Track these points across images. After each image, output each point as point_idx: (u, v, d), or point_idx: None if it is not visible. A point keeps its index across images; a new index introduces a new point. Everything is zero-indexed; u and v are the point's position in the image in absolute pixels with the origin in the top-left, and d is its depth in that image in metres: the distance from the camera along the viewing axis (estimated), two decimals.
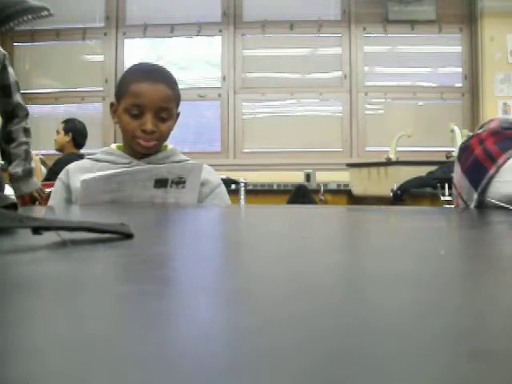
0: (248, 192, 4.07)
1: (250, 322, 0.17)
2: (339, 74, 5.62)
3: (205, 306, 0.20)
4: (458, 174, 0.94)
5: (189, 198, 1.30)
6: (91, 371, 0.12)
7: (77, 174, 1.41)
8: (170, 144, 1.57)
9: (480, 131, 0.93)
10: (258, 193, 4.55)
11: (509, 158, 0.82)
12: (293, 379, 0.12)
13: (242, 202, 3.68)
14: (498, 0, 5.16)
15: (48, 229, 0.35)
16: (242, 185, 3.80)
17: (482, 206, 0.87)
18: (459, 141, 4.04)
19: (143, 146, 1.43)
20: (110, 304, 0.20)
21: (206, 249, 0.39)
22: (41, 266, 0.29)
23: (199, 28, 5.64)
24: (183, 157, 1.56)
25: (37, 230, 0.35)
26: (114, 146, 1.56)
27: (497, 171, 0.83)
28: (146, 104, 1.42)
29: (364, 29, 5.62)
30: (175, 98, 1.49)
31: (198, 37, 5.68)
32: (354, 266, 0.31)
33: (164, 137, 1.48)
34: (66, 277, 0.25)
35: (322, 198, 4.47)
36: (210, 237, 0.49)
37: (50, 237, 0.34)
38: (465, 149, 0.93)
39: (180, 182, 1.29)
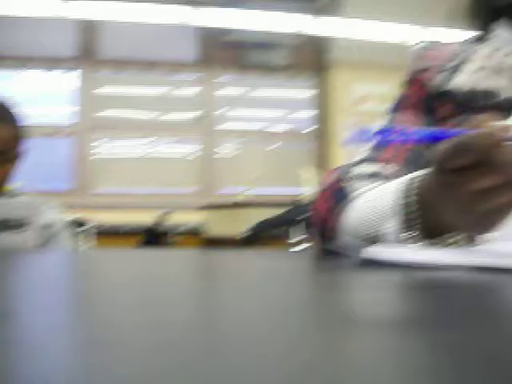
0: (99, 233, 3.96)
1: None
2: (195, 115, 5.66)
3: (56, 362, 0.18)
4: (312, 234, 0.95)
5: (30, 242, 1.21)
6: None
7: None
8: (15, 182, 1.47)
9: (320, 189, 0.93)
10: (108, 234, 4.43)
11: (342, 217, 0.82)
12: None
13: (90, 245, 3.56)
14: (348, 51, 5.46)
15: None
16: (91, 226, 3.67)
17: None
18: (307, 184, 4.18)
19: None
20: None
21: (53, 300, 0.35)
22: None
23: (54, 63, 5.47)
24: (27, 197, 1.47)
25: None
26: None
27: (338, 231, 0.84)
28: None
29: (220, 72, 5.72)
30: (15, 137, 1.36)
31: (53, 72, 5.51)
32: (213, 304, 0.31)
33: (2, 180, 1.36)
34: None
35: (175, 239, 4.43)
36: (56, 286, 0.45)
37: None
38: (311, 210, 0.94)
39: (21, 225, 1.19)
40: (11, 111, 1.38)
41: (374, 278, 0.50)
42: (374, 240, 0.71)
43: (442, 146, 0.57)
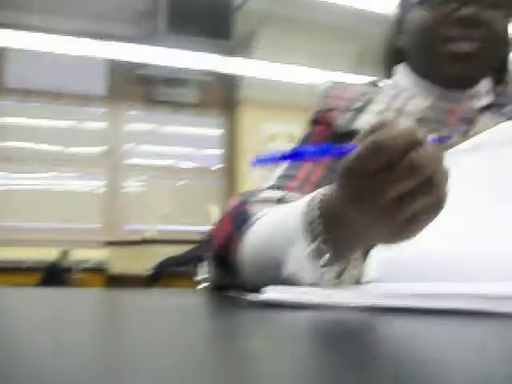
0: None
1: None
2: (102, 149, 5.56)
3: None
4: (209, 265, 0.93)
5: None
6: None
7: None
8: None
9: (223, 215, 0.92)
10: (6, 271, 4.24)
11: (244, 241, 0.80)
12: None
13: None
14: (256, 91, 5.54)
15: None
16: None
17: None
18: (215, 220, 4.16)
19: None
20: None
21: None
22: None
23: None
24: None
25: None
26: None
27: (239, 256, 0.82)
28: None
29: (129, 107, 5.67)
30: None
31: None
32: (112, 346, 0.32)
33: None
34: None
35: (78, 276, 4.30)
36: None
37: None
38: (210, 238, 0.92)
39: None
40: None
41: (265, 320, 0.48)
42: (275, 268, 0.70)
43: (353, 152, 0.57)
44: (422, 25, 1.02)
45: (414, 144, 0.54)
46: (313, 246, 0.65)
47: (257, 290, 0.60)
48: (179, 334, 0.41)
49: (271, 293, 0.57)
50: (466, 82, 1.02)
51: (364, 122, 1.00)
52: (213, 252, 0.90)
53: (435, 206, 0.56)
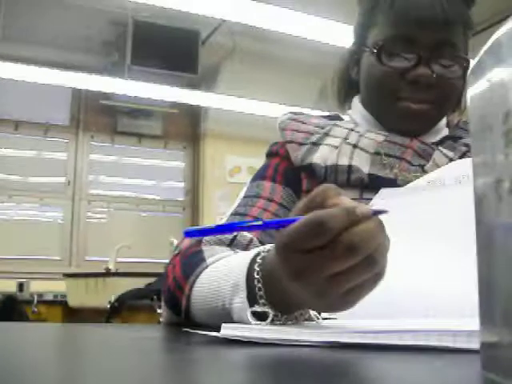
0: None
1: None
2: (63, 179, 5.50)
3: None
4: (162, 304, 0.92)
5: None
6: None
7: None
8: None
9: (175, 253, 0.91)
10: None
11: (192, 286, 0.80)
12: None
13: None
14: (220, 124, 5.57)
15: None
16: None
17: None
18: None
19: None
20: None
21: None
22: None
23: None
24: None
25: None
26: None
27: (188, 302, 0.81)
28: None
29: (92, 137, 5.63)
30: None
31: None
32: None
33: None
34: None
35: (35, 309, 4.20)
36: None
37: None
38: (163, 277, 0.91)
39: None
40: None
41: (222, 355, 0.48)
42: (223, 317, 0.70)
43: (291, 228, 0.55)
44: (374, 77, 1.01)
45: (353, 222, 0.53)
46: (254, 307, 0.64)
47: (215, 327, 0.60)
48: (135, 368, 0.40)
49: (229, 330, 0.57)
50: (417, 132, 1.00)
51: (320, 155, 0.99)
52: (164, 293, 0.90)
53: (374, 280, 0.56)
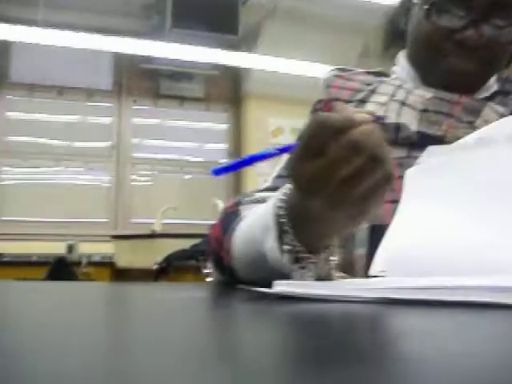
0: (2, 264, 3.80)
1: None
2: (107, 144, 5.57)
3: None
4: (210, 265, 0.94)
5: None
6: None
7: None
8: None
9: (219, 218, 0.93)
10: (14, 265, 4.25)
11: (230, 240, 0.82)
12: None
13: None
14: (262, 85, 5.54)
15: None
16: None
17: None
18: None
19: None
20: None
21: None
22: None
23: None
24: None
25: None
26: None
27: (229, 257, 0.83)
28: None
29: (134, 101, 5.67)
30: None
31: None
32: (116, 344, 0.31)
33: None
34: None
35: (85, 270, 4.31)
36: None
37: None
38: (207, 239, 0.93)
39: None
40: None
41: (275, 312, 0.49)
42: (257, 260, 0.71)
43: (299, 136, 0.59)
44: (422, 33, 0.99)
45: (351, 123, 0.56)
46: (284, 243, 0.66)
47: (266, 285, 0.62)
48: (190, 325, 0.41)
49: (282, 286, 0.58)
50: (465, 91, 0.98)
51: None
52: (209, 255, 0.92)
53: (384, 181, 0.58)
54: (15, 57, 5.37)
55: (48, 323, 0.41)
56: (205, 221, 4.79)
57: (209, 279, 2.73)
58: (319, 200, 0.59)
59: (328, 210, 0.60)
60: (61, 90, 5.48)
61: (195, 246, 3.63)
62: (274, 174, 1.01)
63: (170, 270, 3.53)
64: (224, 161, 5.81)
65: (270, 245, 0.68)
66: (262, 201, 0.88)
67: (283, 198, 0.68)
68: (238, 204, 0.89)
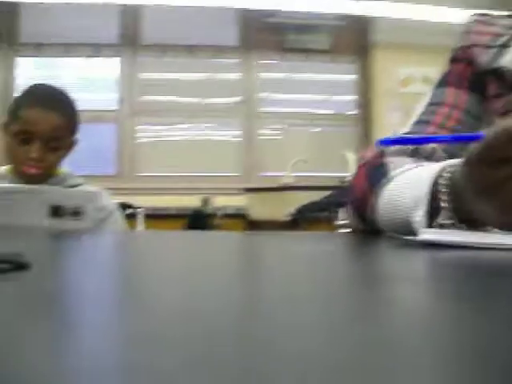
0: (146, 216, 4.00)
1: (157, 357, 0.16)
2: (236, 99, 5.68)
3: (109, 342, 0.19)
4: (348, 212, 0.95)
5: (85, 227, 1.25)
6: None
7: None
8: (63, 167, 1.51)
9: (361, 163, 0.94)
10: (153, 218, 4.48)
11: (378, 197, 0.83)
12: None
13: (141, 227, 3.62)
14: (390, 33, 5.40)
15: None
16: (140, 210, 3.73)
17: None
18: (352, 167, 4.17)
19: (26, 174, 1.37)
20: (8, 340, 0.18)
21: (110, 279, 0.37)
22: None
23: (96, 49, 5.54)
24: (78, 180, 1.51)
25: None
26: (3, 168, 1.48)
27: (373, 211, 0.84)
28: (35, 132, 1.34)
29: (261, 56, 5.71)
30: (69, 126, 1.41)
31: (95, 58, 5.58)
32: (258, 290, 0.31)
33: (53, 166, 1.41)
34: None
35: (219, 222, 4.47)
36: (113, 266, 0.47)
37: None
38: (350, 186, 0.94)
39: (77, 213, 1.23)
40: (66, 100, 1.43)
41: (427, 258, 0.51)
42: (403, 225, 0.72)
43: (482, 140, 0.56)
44: None
45: None
46: (433, 215, 0.66)
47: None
48: (344, 272, 0.43)
49: (428, 234, 0.60)
50: None
51: (510, 58, 0.93)
52: (350, 203, 0.93)
53: None
54: (146, 19, 5.57)
55: (191, 267, 0.44)
56: (335, 173, 4.82)
57: (342, 230, 2.77)
58: (492, 206, 0.58)
59: (499, 215, 0.59)
60: (190, 49, 5.63)
61: (327, 197, 3.66)
62: (414, 118, 1.01)
63: (302, 221, 3.58)
64: (352, 112, 5.76)
65: (419, 218, 0.68)
66: (407, 151, 0.89)
67: (446, 177, 0.66)
68: (382, 154, 0.90)
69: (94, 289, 0.32)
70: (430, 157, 0.88)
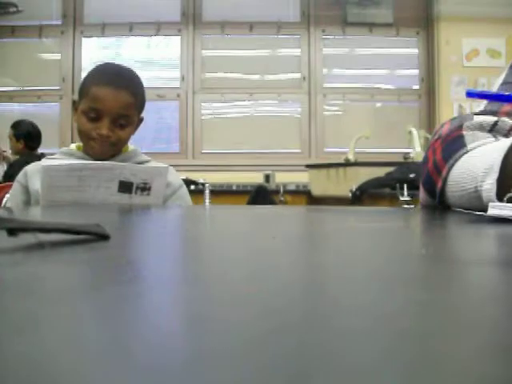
0: (210, 192, 4.06)
1: (222, 321, 0.17)
2: (298, 75, 5.66)
3: (184, 306, 0.20)
4: (420, 188, 0.95)
5: (154, 202, 1.28)
6: (73, 374, 0.12)
7: (35, 175, 1.38)
8: (130, 145, 1.55)
9: (435, 138, 0.93)
10: (217, 193, 4.54)
11: (450, 169, 0.82)
12: (256, 373, 0.13)
13: (207, 202, 3.67)
14: (454, 4, 5.27)
15: (25, 230, 0.34)
16: (207, 186, 3.79)
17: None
18: (416, 142, 4.11)
19: (96, 151, 1.41)
20: (95, 306, 0.20)
21: (182, 250, 0.39)
22: (20, 268, 0.28)
23: (158, 27, 5.60)
24: (145, 157, 1.55)
25: (12, 232, 0.34)
26: (73, 146, 1.53)
27: (444, 184, 0.83)
28: (104, 110, 1.38)
29: (323, 31, 5.66)
30: (137, 105, 1.45)
31: (157, 36, 5.65)
32: (323, 265, 0.31)
33: (121, 143, 1.45)
34: (48, 279, 0.25)
35: (282, 198, 4.49)
36: (183, 237, 0.49)
37: (26, 239, 0.34)
38: (423, 161, 0.93)
39: (145, 189, 1.26)
40: (133, 78, 1.47)
41: (492, 233, 0.51)
42: (472, 199, 0.71)
43: None
44: None
45: None
46: (504, 186, 0.65)
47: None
48: (407, 249, 0.44)
49: (496, 209, 0.60)
50: None
51: None
52: (423, 176, 0.93)
53: None
54: None
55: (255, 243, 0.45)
56: (398, 149, 4.76)
57: (406, 206, 2.75)
58: None
59: None
60: (251, 25, 5.62)
61: (390, 173, 3.63)
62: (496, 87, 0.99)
63: (365, 197, 3.57)
64: (415, 87, 5.66)
65: (489, 186, 0.68)
66: (486, 125, 0.88)
67: None
68: (459, 128, 0.89)
69: (170, 257, 0.34)
70: (508, 133, 0.87)
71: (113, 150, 1.44)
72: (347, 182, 3.86)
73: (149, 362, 0.13)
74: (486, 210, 0.61)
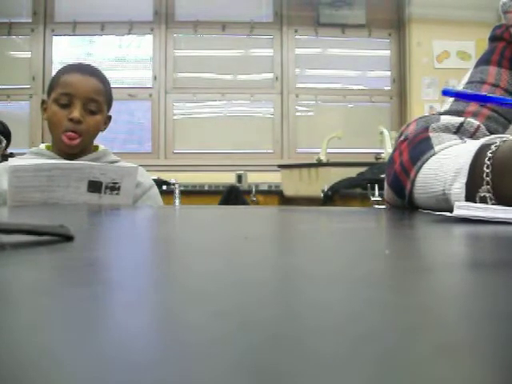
0: (181, 192, 4.04)
1: (191, 317, 0.18)
2: (271, 75, 5.66)
3: (149, 306, 0.20)
4: (385, 188, 0.95)
5: (123, 202, 1.28)
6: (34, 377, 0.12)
7: (3, 175, 1.37)
8: (100, 145, 1.55)
9: (401, 139, 0.93)
10: (189, 194, 4.52)
11: (418, 171, 0.82)
12: (225, 367, 0.13)
13: (177, 202, 3.66)
14: (426, 7, 5.32)
15: None
16: (177, 186, 3.77)
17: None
18: (388, 143, 4.14)
19: (67, 144, 1.41)
20: (54, 308, 0.19)
21: (149, 250, 0.39)
22: None
23: (130, 27, 5.56)
24: (115, 157, 1.54)
25: None
26: (42, 145, 1.52)
27: (412, 186, 0.84)
28: (75, 93, 1.43)
29: (295, 31, 5.68)
30: (105, 93, 1.48)
31: (129, 35, 5.61)
32: (291, 265, 0.31)
33: (90, 132, 1.46)
34: (7, 281, 0.25)
35: (254, 198, 4.49)
36: (151, 238, 0.49)
37: None
38: (389, 162, 0.94)
39: (114, 188, 1.26)
40: (102, 73, 1.50)
41: (457, 233, 0.52)
42: (440, 200, 0.72)
43: None
44: None
45: None
46: (473, 189, 0.66)
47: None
48: (376, 248, 0.45)
49: (462, 210, 0.60)
50: None
51: None
52: (389, 177, 0.93)
53: None
54: None
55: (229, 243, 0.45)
56: (370, 149, 4.79)
57: (377, 207, 2.76)
58: None
59: None
60: (224, 25, 5.62)
61: (361, 174, 3.65)
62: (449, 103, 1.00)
63: (336, 197, 3.58)
64: (387, 88, 5.70)
65: (457, 190, 0.68)
66: (452, 127, 0.88)
67: (494, 150, 0.66)
68: (426, 130, 0.89)
69: (135, 258, 0.33)
70: (473, 134, 0.88)
71: (82, 142, 1.45)
72: (319, 183, 3.87)
73: (109, 363, 0.13)
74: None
